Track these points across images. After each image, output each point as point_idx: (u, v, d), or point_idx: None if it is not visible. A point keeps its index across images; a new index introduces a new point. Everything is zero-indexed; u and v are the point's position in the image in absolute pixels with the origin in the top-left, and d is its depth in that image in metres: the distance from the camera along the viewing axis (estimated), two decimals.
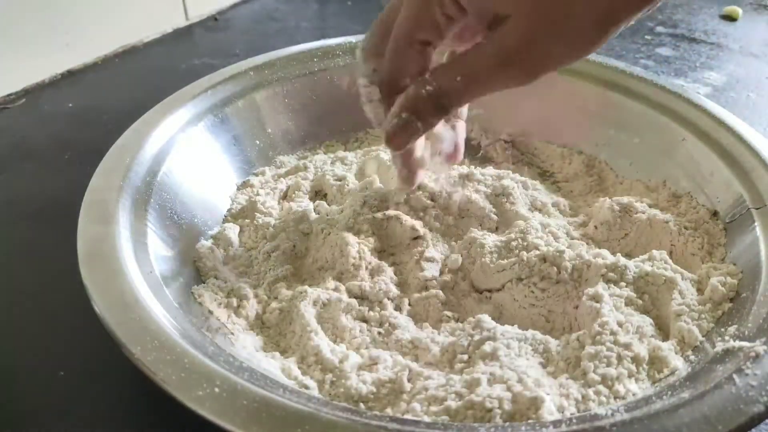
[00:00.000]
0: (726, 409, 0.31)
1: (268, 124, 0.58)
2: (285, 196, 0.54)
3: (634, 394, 0.36)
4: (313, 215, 0.49)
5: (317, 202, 0.52)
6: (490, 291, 0.45)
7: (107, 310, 0.35)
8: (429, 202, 0.48)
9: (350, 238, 0.45)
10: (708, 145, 0.52)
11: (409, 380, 0.37)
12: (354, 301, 0.42)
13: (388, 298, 0.43)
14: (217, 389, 0.31)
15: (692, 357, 0.39)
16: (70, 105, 0.70)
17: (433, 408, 0.34)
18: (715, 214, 0.49)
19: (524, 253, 0.44)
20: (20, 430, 0.38)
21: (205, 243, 0.47)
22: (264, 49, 0.62)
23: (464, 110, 0.48)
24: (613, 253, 0.45)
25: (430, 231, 0.47)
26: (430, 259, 0.45)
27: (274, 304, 0.43)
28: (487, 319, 0.40)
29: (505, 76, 0.37)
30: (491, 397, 0.34)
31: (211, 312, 0.42)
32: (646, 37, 0.90)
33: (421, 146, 0.46)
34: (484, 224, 0.49)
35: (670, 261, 0.44)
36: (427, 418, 0.34)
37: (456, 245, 0.47)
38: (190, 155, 0.51)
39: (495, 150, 0.61)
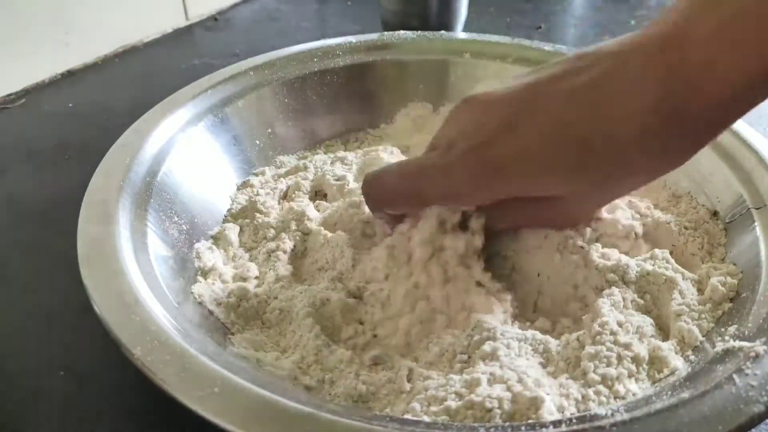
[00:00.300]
0: (726, 409, 0.31)
1: (268, 124, 0.58)
2: (285, 196, 0.54)
3: (634, 394, 0.36)
4: (314, 214, 0.49)
5: (317, 202, 0.52)
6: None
7: (107, 310, 0.35)
8: None
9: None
10: (708, 144, 0.52)
11: (408, 380, 0.37)
12: (353, 301, 0.42)
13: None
14: (217, 389, 0.31)
15: (692, 357, 0.39)
16: (70, 105, 0.70)
17: (433, 408, 0.34)
18: (715, 214, 0.49)
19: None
20: (20, 430, 0.38)
21: (205, 243, 0.47)
22: (264, 49, 0.62)
23: None
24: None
25: None
26: None
27: (273, 304, 0.43)
28: (487, 319, 0.40)
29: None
30: (491, 397, 0.34)
31: (211, 312, 0.42)
32: None
33: None
34: None
35: (672, 260, 0.44)
36: (426, 418, 0.34)
37: None
38: (190, 155, 0.51)
39: None
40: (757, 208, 0.46)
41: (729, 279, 0.42)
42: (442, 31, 0.69)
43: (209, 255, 0.46)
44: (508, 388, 0.35)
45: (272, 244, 0.47)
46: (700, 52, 0.33)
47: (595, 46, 0.38)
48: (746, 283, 0.42)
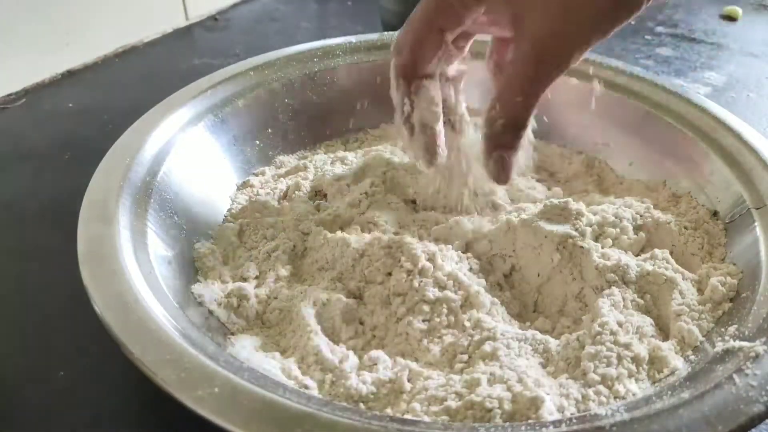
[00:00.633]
0: (726, 409, 0.31)
1: (268, 124, 0.58)
2: (285, 196, 0.54)
3: (634, 394, 0.36)
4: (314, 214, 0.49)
5: (317, 202, 0.52)
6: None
7: (107, 310, 0.35)
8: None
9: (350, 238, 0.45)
10: (708, 144, 0.52)
11: (409, 380, 0.37)
12: (353, 302, 0.42)
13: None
14: (217, 389, 0.31)
15: (692, 357, 0.39)
16: (70, 105, 0.70)
17: (433, 408, 0.34)
18: (715, 214, 0.49)
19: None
20: (20, 430, 0.38)
21: (205, 243, 0.47)
22: (264, 49, 0.62)
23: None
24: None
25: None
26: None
27: (273, 304, 0.43)
28: (487, 319, 0.40)
29: (545, 70, 0.39)
30: (491, 397, 0.34)
31: (211, 312, 0.42)
32: (646, 37, 0.90)
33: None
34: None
35: (672, 260, 0.44)
36: (427, 418, 0.34)
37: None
38: (190, 155, 0.50)
39: None
40: (757, 208, 0.46)
41: (729, 279, 0.42)
42: None
43: (209, 255, 0.46)
44: (508, 388, 0.35)
45: (272, 244, 0.47)
46: None
47: None
48: (746, 283, 0.42)
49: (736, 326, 0.38)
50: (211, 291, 0.43)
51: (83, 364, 0.42)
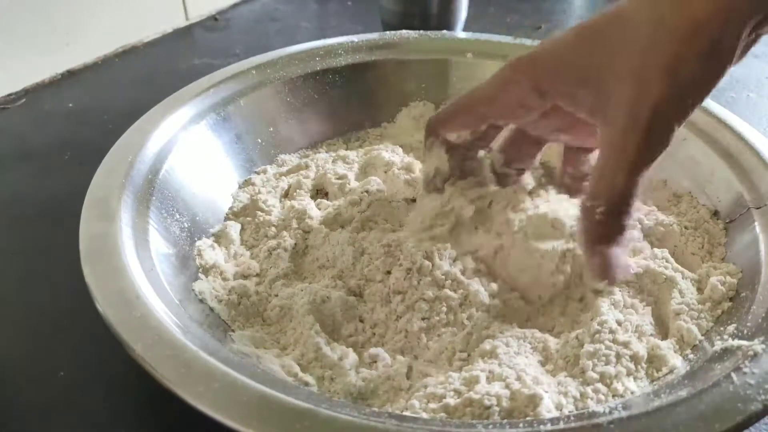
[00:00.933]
0: (724, 408, 0.31)
1: (270, 122, 0.58)
2: (286, 195, 0.54)
3: (632, 393, 0.36)
4: (315, 213, 0.49)
5: (318, 200, 0.52)
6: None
7: (109, 307, 0.35)
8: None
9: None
10: (709, 144, 0.52)
11: (408, 377, 0.37)
12: (353, 299, 0.42)
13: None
14: (217, 385, 0.31)
15: (691, 356, 0.39)
16: (70, 105, 0.70)
17: (432, 405, 0.34)
18: (715, 213, 0.49)
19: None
20: (20, 430, 0.38)
21: (207, 241, 0.47)
22: (264, 49, 0.62)
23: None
24: None
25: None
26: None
27: (274, 302, 0.43)
28: (486, 317, 0.40)
29: (650, 141, 0.35)
30: (490, 395, 0.34)
31: (212, 309, 0.42)
32: None
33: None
34: None
35: (672, 259, 0.45)
36: (425, 415, 0.34)
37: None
38: (192, 153, 0.51)
39: None
40: (757, 208, 0.46)
41: (729, 278, 0.42)
42: (444, 31, 0.69)
43: (211, 252, 0.46)
44: (507, 386, 0.35)
45: (273, 242, 0.47)
46: None
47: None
48: (746, 283, 0.42)
49: (735, 325, 0.39)
50: (212, 288, 0.43)
51: (83, 364, 0.42)
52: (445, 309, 0.41)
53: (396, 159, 0.55)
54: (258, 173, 0.55)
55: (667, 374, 0.38)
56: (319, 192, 0.54)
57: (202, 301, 0.42)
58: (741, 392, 0.32)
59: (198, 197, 0.49)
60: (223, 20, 0.91)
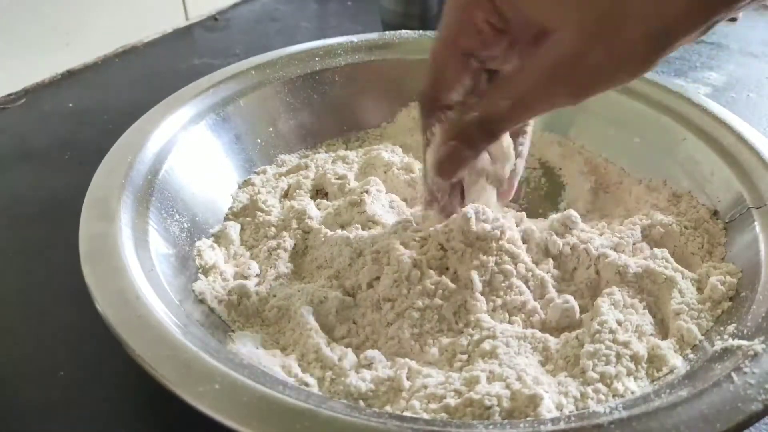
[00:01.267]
0: (724, 408, 0.31)
1: (269, 122, 0.58)
2: (286, 195, 0.54)
3: (632, 392, 0.36)
4: (315, 213, 0.49)
5: (318, 200, 0.52)
6: None
7: (109, 307, 0.35)
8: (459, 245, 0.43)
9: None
10: (708, 144, 0.52)
11: (408, 378, 0.37)
12: (349, 300, 0.42)
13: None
14: (217, 386, 0.31)
15: (691, 355, 0.39)
16: (70, 105, 0.70)
17: (432, 405, 0.34)
18: (715, 213, 0.49)
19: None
20: (20, 430, 0.38)
21: (206, 241, 0.47)
22: (264, 49, 0.63)
23: (525, 147, 0.45)
24: None
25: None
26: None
27: (272, 302, 0.43)
28: (486, 318, 0.40)
29: (552, 94, 0.34)
30: (490, 395, 0.34)
31: (212, 309, 0.42)
32: None
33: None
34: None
35: (672, 259, 0.45)
36: (426, 416, 0.34)
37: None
38: (191, 154, 0.51)
39: None
40: (757, 208, 0.46)
41: (728, 278, 0.42)
42: None
43: (210, 253, 0.46)
44: (507, 386, 0.35)
45: (273, 243, 0.47)
46: None
47: None
48: (746, 283, 0.42)
49: (735, 325, 0.39)
50: (212, 288, 0.43)
51: (83, 364, 0.42)
52: (436, 317, 0.41)
53: (396, 159, 0.55)
54: (258, 173, 0.55)
55: (667, 374, 0.38)
56: (319, 192, 0.54)
57: (201, 301, 0.42)
58: (741, 392, 0.32)
59: (198, 197, 0.49)
60: (223, 20, 0.91)
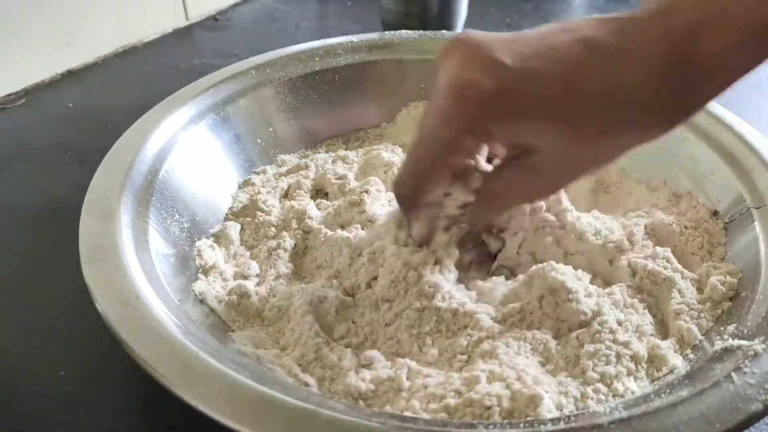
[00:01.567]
0: (724, 408, 0.31)
1: (269, 122, 0.58)
2: (286, 195, 0.54)
3: (632, 392, 0.36)
4: (315, 213, 0.49)
5: (318, 200, 0.52)
6: None
7: (109, 307, 0.35)
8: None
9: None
10: (708, 144, 0.52)
11: (407, 378, 0.37)
12: (349, 300, 0.42)
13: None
14: (217, 386, 0.31)
15: (691, 355, 0.39)
16: (70, 105, 0.70)
17: (432, 405, 0.34)
18: (715, 213, 0.49)
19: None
20: (20, 430, 0.38)
21: (206, 241, 0.47)
22: (264, 49, 0.62)
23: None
24: None
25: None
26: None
27: (273, 302, 0.43)
28: (485, 319, 0.40)
29: (525, 196, 0.41)
30: (490, 395, 0.34)
31: (212, 309, 0.42)
32: None
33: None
34: None
35: (672, 259, 0.44)
36: (426, 416, 0.34)
37: None
38: (191, 154, 0.51)
39: None
40: (757, 208, 0.46)
41: (728, 278, 0.42)
42: (444, 31, 0.69)
43: (210, 253, 0.46)
44: (507, 386, 0.35)
45: (273, 243, 0.47)
46: (686, 23, 0.33)
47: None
48: (746, 282, 0.42)
49: (735, 325, 0.39)
50: (212, 288, 0.43)
51: (83, 364, 0.42)
52: (435, 319, 0.41)
53: (396, 159, 0.55)
54: (258, 173, 0.55)
55: (667, 374, 0.38)
56: (319, 192, 0.54)
57: (201, 301, 0.42)
58: (741, 392, 0.32)
59: (198, 197, 0.49)
60: (223, 20, 0.91)
